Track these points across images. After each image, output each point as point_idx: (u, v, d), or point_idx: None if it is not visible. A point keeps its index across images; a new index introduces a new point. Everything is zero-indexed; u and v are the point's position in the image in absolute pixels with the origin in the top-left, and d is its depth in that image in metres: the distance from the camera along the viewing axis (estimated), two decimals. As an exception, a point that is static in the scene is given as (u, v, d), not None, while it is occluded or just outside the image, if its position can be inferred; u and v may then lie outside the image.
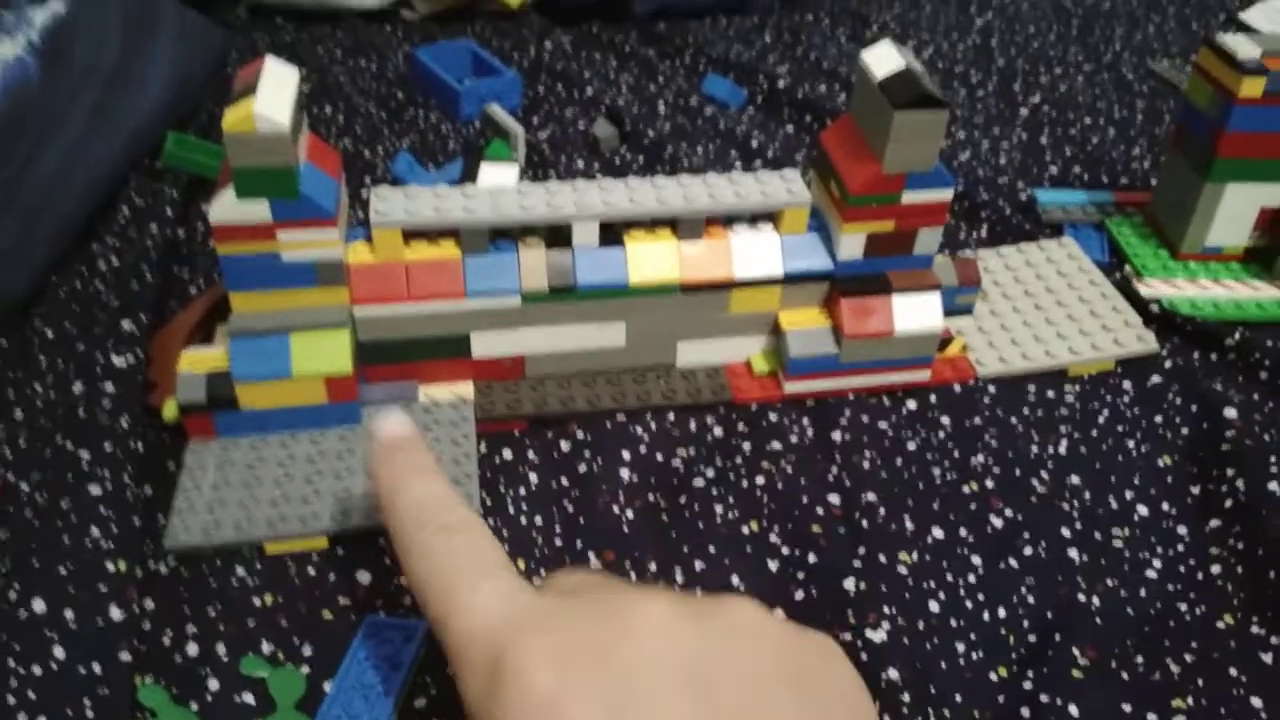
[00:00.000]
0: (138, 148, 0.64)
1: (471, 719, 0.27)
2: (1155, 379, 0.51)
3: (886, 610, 0.39)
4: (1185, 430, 0.49)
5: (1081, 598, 0.40)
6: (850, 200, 0.46)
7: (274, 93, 0.40)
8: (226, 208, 0.41)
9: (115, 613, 0.38)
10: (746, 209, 0.47)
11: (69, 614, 0.37)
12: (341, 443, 0.45)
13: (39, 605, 0.37)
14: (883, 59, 0.46)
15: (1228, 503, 0.44)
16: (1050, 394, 0.50)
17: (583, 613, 0.28)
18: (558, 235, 0.47)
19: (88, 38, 0.61)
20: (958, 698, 0.37)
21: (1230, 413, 0.48)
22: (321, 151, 0.44)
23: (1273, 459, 0.46)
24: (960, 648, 0.38)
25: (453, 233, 0.46)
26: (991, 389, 0.51)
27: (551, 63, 0.84)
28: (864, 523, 0.43)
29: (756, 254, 0.48)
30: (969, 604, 0.40)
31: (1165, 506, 0.45)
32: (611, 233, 0.47)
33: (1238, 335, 0.53)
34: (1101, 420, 0.49)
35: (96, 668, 0.36)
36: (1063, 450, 0.47)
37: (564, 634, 0.27)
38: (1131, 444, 0.48)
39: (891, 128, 0.43)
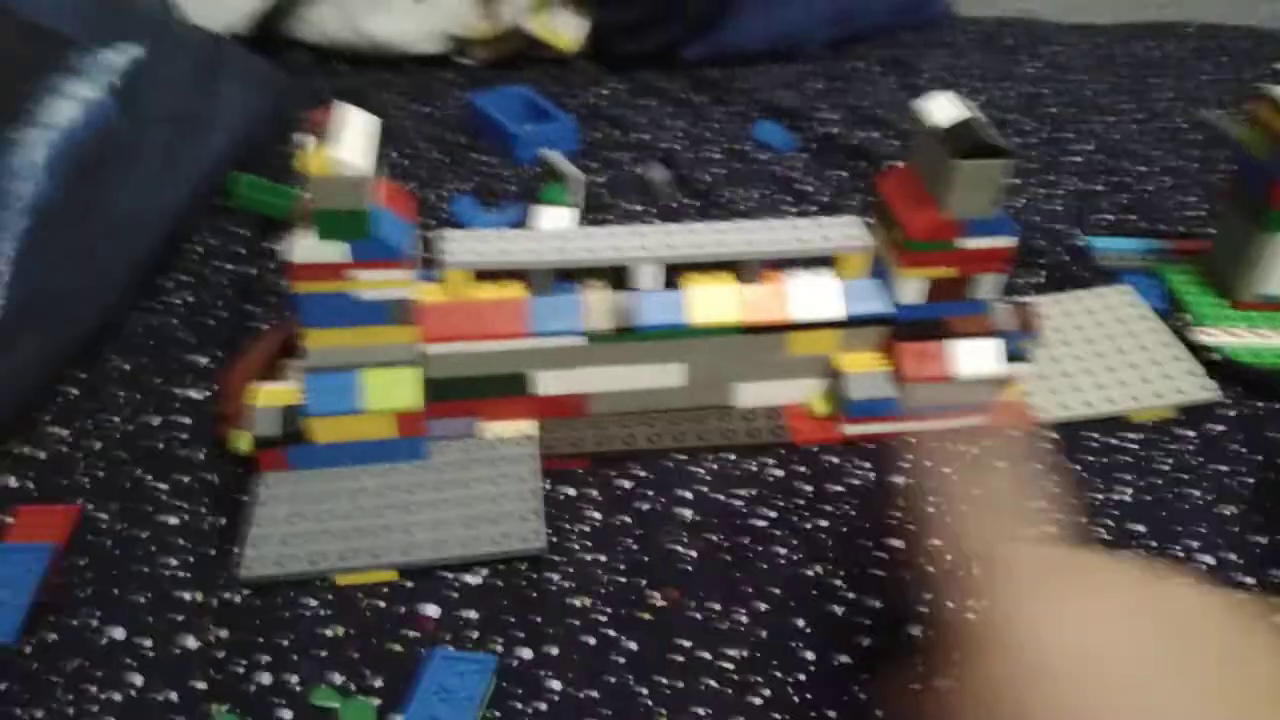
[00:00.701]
0: (207, 188, 0.66)
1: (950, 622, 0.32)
2: (1218, 427, 0.51)
3: (955, 657, 0.39)
4: (1249, 479, 0.48)
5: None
6: (910, 245, 0.46)
7: (355, 139, 0.41)
8: (306, 248, 0.42)
9: (190, 641, 0.38)
10: (808, 253, 0.48)
11: (146, 642, 0.38)
12: (410, 476, 0.46)
13: (118, 633, 0.38)
14: (943, 108, 0.46)
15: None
16: (1112, 441, 0.50)
17: (1065, 553, 0.32)
18: (621, 277, 0.47)
19: (163, 82, 0.63)
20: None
21: (1295, 462, 0.48)
22: (397, 195, 0.45)
23: (1341, 509, 0.45)
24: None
25: (519, 274, 0.47)
26: (1053, 435, 0.51)
27: (605, 108, 0.86)
28: (928, 569, 0.43)
29: (817, 297, 0.48)
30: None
31: (1231, 556, 0.44)
32: (674, 276, 0.48)
33: (1300, 384, 0.52)
34: (1165, 468, 0.49)
35: (173, 695, 0.37)
36: (1126, 497, 0.47)
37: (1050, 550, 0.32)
38: (1196, 492, 0.48)
39: (953, 175, 0.44)
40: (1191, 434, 0.51)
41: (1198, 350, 0.55)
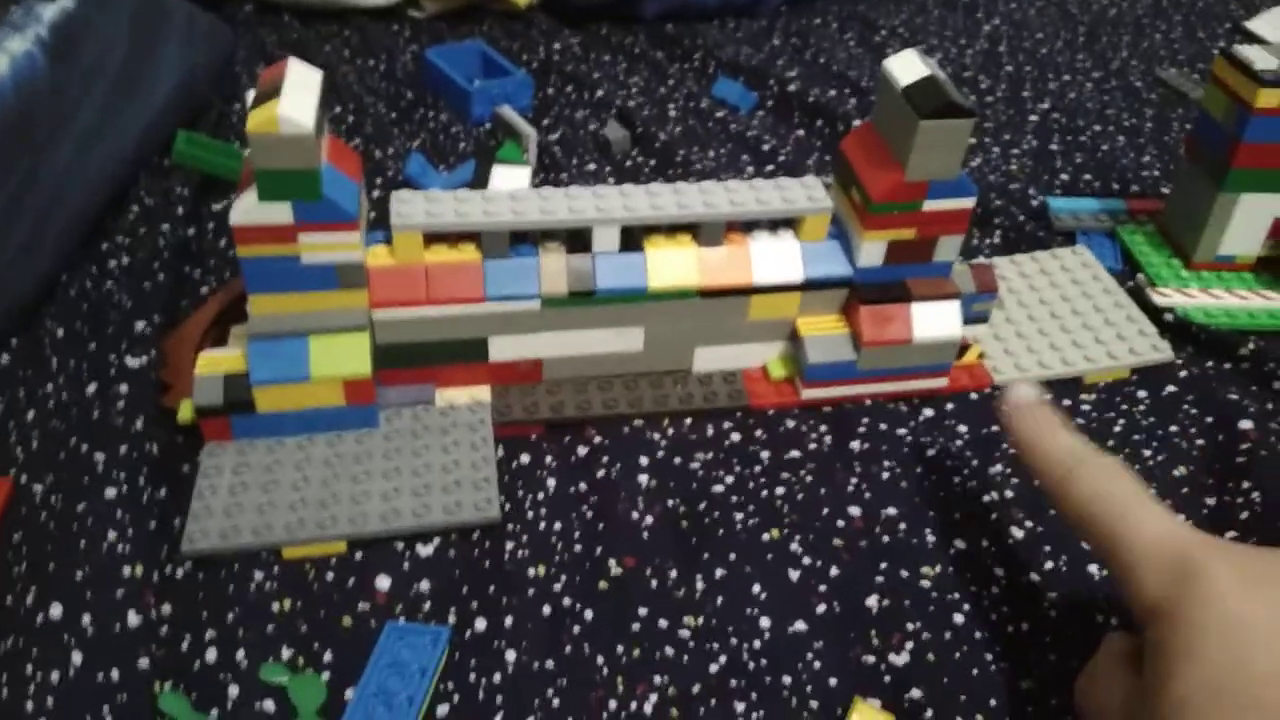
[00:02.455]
0: (147, 146, 0.64)
1: (1151, 611, 0.31)
2: (1170, 388, 0.51)
3: (910, 627, 0.39)
4: (1200, 440, 0.49)
5: (1100, 617, 0.40)
6: (873, 208, 0.45)
7: (298, 95, 0.40)
8: (249, 209, 0.40)
9: (133, 618, 0.37)
10: (768, 215, 0.47)
11: (86, 619, 0.37)
12: (359, 445, 0.45)
13: (56, 610, 0.37)
14: (907, 67, 0.45)
15: (1244, 514, 0.44)
16: (1066, 402, 0.50)
17: (1252, 548, 0.32)
18: (578, 240, 0.46)
19: (97, 35, 0.60)
20: (983, 712, 0.36)
21: (1245, 423, 0.48)
22: (342, 153, 0.43)
23: (1290, 470, 0.46)
24: (986, 660, 0.38)
25: (473, 236, 0.46)
26: (1008, 397, 0.51)
27: (561, 64, 0.84)
28: (885, 538, 0.43)
29: (776, 260, 0.47)
30: (996, 612, 0.40)
31: (1181, 517, 0.45)
32: (631, 238, 0.47)
33: (1251, 345, 0.53)
34: (1117, 429, 0.49)
35: (115, 674, 0.36)
36: (1081, 459, 0.47)
37: (1244, 554, 0.31)
38: (1147, 453, 0.48)
39: (916, 136, 0.43)
40: (1144, 395, 0.51)
41: (1152, 311, 0.56)
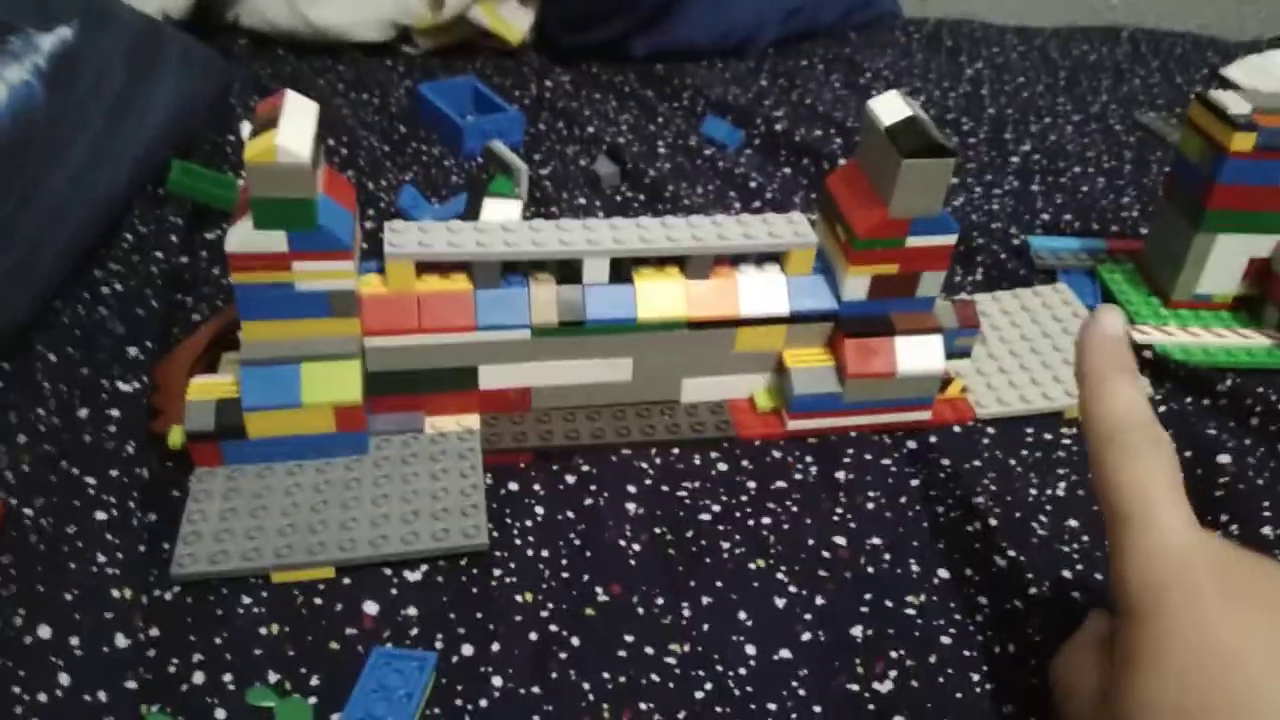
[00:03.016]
0: (141, 175, 0.64)
1: (1133, 603, 0.31)
2: (1150, 423, 0.52)
3: (894, 655, 0.40)
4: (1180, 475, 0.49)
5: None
6: (857, 244, 0.46)
7: (296, 126, 0.40)
8: (244, 237, 0.41)
9: (121, 640, 0.37)
10: (755, 249, 0.48)
11: (74, 641, 0.37)
12: (348, 472, 0.45)
13: (44, 632, 0.37)
14: (889, 107, 0.47)
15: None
16: (1048, 436, 0.51)
17: (1255, 562, 0.32)
18: (568, 271, 0.47)
19: (94, 64, 0.61)
20: (965, 736, 0.37)
21: (1224, 457, 0.49)
22: (337, 184, 0.44)
23: (1266, 503, 0.46)
24: (972, 682, 0.39)
25: (464, 266, 0.46)
26: (990, 430, 0.51)
27: (552, 101, 0.85)
28: (870, 567, 0.43)
29: (762, 293, 0.48)
30: (980, 638, 0.40)
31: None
32: (621, 270, 0.47)
33: (1229, 381, 0.54)
34: (1098, 463, 0.50)
35: (102, 695, 0.36)
36: (1061, 492, 0.48)
37: (1238, 571, 0.31)
38: (1128, 487, 0.48)
39: (899, 174, 0.44)
40: (1125, 430, 0.52)
41: (1131, 348, 0.56)
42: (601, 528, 0.45)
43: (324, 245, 0.42)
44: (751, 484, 0.47)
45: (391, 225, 0.46)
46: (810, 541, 0.44)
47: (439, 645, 0.39)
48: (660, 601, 0.41)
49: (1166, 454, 0.34)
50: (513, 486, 0.46)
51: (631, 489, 0.47)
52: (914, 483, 0.48)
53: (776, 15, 0.98)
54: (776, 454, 0.49)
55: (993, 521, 0.46)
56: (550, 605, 0.41)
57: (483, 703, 0.37)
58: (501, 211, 0.61)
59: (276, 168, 0.39)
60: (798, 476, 0.48)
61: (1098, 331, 0.37)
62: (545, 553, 0.43)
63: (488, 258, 0.45)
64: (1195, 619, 0.30)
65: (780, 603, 0.42)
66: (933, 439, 0.51)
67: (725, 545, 0.44)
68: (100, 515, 0.41)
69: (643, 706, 0.37)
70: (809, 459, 0.49)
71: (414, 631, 0.40)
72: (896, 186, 0.45)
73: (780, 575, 0.43)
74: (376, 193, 0.69)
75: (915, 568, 0.44)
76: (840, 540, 0.45)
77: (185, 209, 0.63)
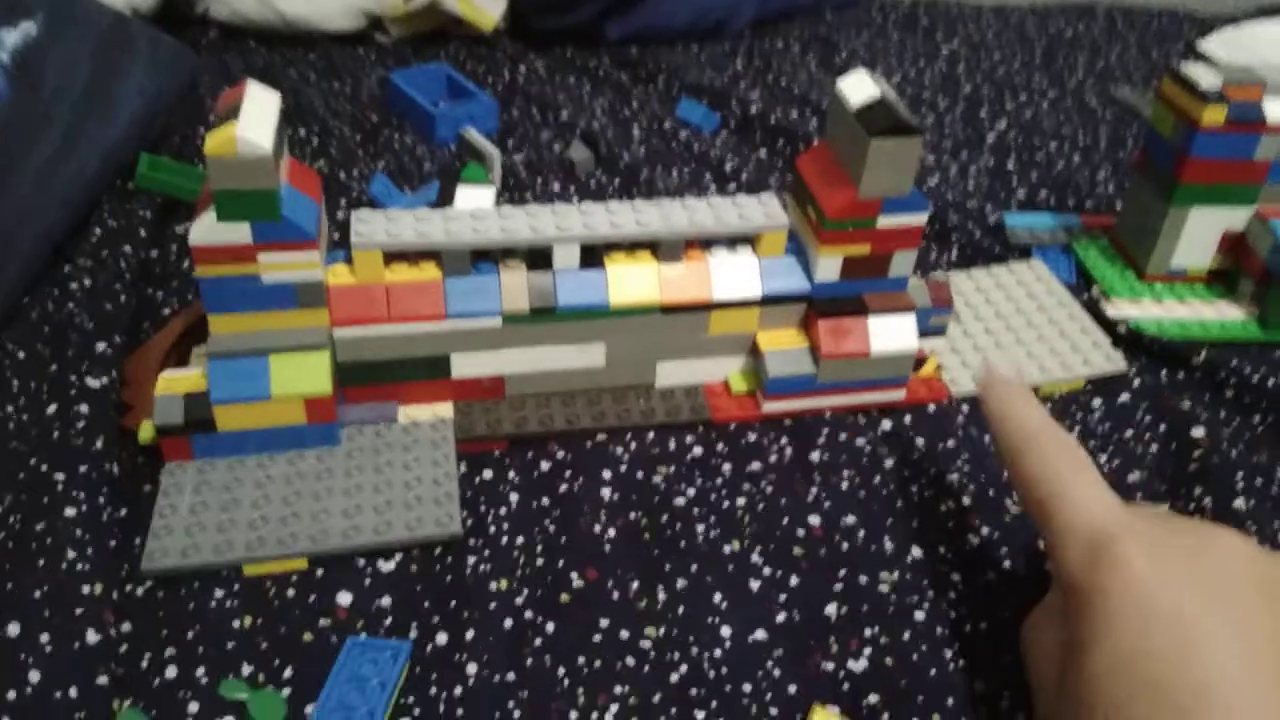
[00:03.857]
0: (110, 169, 0.64)
1: (1070, 585, 0.33)
2: (1124, 397, 0.52)
3: (868, 633, 0.40)
4: (1154, 448, 0.50)
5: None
6: (827, 224, 0.46)
7: (256, 116, 0.40)
8: (207, 230, 0.41)
9: (92, 636, 0.37)
10: (725, 232, 0.48)
11: (44, 637, 0.37)
12: (319, 463, 0.45)
13: (14, 629, 0.37)
14: (858, 87, 0.46)
15: (1195, 518, 0.45)
16: (1022, 413, 0.51)
17: (1171, 525, 0.33)
18: (538, 257, 0.47)
19: (60, 59, 0.61)
20: (940, 712, 0.37)
21: (1197, 430, 0.49)
22: (302, 174, 0.44)
23: (1239, 475, 0.47)
24: (944, 658, 0.39)
25: (434, 255, 0.46)
26: (965, 408, 0.51)
27: (526, 87, 0.85)
28: (844, 546, 0.43)
29: (735, 276, 0.48)
30: (952, 615, 0.40)
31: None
32: (592, 255, 0.47)
33: (1203, 355, 0.54)
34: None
35: (74, 692, 0.35)
36: (1036, 468, 0.48)
37: (1158, 534, 0.32)
38: (1103, 460, 0.49)
39: (868, 155, 0.44)
40: (1099, 404, 0.52)
41: (1106, 323, 0.57)
42: (576, 513, 0.44)
43: (289, 236, 0.41)
44: (727, 466, 0.47)
45: (358, 214, 0.46)
46: (785, 521, 0.44)
47: (414, 634, 0.39)
48: (635, 586, 0.41)
49: (1074, 448, 0.37)
50: (487, 474, 0.46)
51: (606, 474, 0.46)
52: (888, 462, 0.48)
53: (752, -2, 0.98)
54: (752, 436, 0.49)
55: (966, 500, 0.46)
56: (525, 592, 0.41)
57: (458, 690, 0.37)
58: (474, 199, 0.60)
59: (237, 159, 0.39)
60: (773, 458, 0.48)
61: (989, 379, 0.40)
62: (520, 539, 0.43)
63: (456, 246, 0.45)
64: (1131, 588, 0.31)
65: (755, 584, 0.42)
66: (907, 418, 0.51)
67: (700, 528, 0.44)
68: (70, 511, 0.41)
69: (618, 690, 0.37)
70: (784, 440, 0.49)
71: (388, 621, 0.40)
72: (865, 167, 0.45)
73: (755, 557, 0.43)
74: (348, 182, 0.68)
75: (889, 546, 0.44)
76: (814, 520, 0.45)
77: (154, 203, 0.62)
